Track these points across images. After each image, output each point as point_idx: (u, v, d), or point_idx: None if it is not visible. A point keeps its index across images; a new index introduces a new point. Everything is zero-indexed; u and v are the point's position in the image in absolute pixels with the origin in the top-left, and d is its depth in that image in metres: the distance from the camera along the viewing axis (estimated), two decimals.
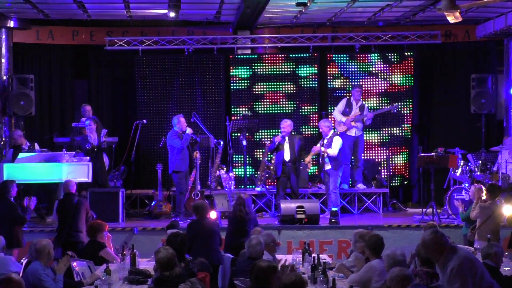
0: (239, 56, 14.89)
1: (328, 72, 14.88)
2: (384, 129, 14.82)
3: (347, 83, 14.80)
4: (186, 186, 12.62)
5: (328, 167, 12.62)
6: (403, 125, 14.88)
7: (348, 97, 13.96)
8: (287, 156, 12.81)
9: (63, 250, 9.50)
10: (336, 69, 14.88)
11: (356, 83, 14.67)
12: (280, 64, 14.86)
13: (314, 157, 13.14)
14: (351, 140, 13.59)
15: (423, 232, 8.64)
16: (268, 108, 14.82)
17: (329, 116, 14.17)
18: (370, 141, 14.75)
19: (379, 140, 14.86)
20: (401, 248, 7.29)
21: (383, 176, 14.27)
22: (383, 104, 14.71)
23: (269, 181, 13.61)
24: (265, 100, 14.83)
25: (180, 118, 12.60)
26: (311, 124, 14.76)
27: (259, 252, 7.65)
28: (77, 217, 10.22)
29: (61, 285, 7.34)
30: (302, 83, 14.84)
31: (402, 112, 14.84)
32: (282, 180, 12.88)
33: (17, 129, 13.49)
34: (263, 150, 13.61)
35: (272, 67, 14.86)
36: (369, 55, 14.79)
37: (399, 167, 14.91)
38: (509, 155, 12.82)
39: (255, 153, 14.64)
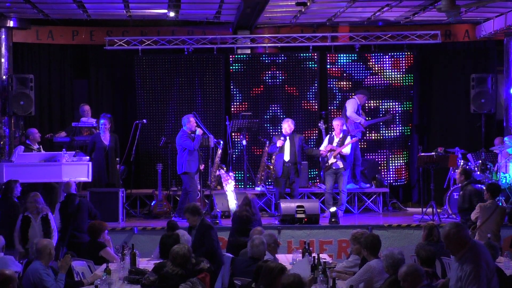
0: (238, 56, 14.88)
1: (328, 72, 14.88)
2: (384, 128, 14.82)
3: (347, 83, 14.80)
4: (195, 186, 12.56)
5: (340, 165, 12.70)
6: (403, 125, 14.87)
7: (354, 98, 13.94)
8: (286, 157, 12.82)
9: (68, 250, 9.51)
10: (336, 69, 14.87)
11: (356, 83, 14.70)
12: (280, 63, 14.85)
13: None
14: None
15: (423, 230, 8.69)
16: (267, 108, 14.81)
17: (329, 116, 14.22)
18: (370, 140, 14.75)
19: (379, 140, 14.86)
20: (399, 248, 7.29)
21: (382, 176, 14.29)
22: (383, 105, 14.72)
23: (270, 180, 13.60)
24: (264, 100, 14.82)
25: (191, 118, 12.58)
26: (311, 124, 14.74)
27: (262, 252, 7.65)
28: (80, 218, 10.23)
29: (62, 285, 7.34)
30: (302, 82, 14.83)
31: (402, 112, 14.84)
32: (282, 180, 12.88)
33: (34, 128, 13.40)
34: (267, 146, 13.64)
35: (271, 67, 14.85)
36: (368, 55, 14.78)
37: (398, 167, 14.92)
38: (504, 158, 12.81)
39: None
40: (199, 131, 12.46)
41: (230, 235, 10.14)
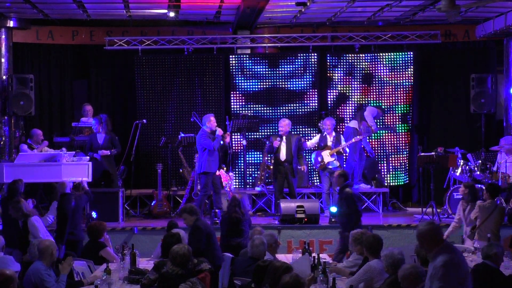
0: (238, 56, 14.88)
1: (328, 72, 14.88)
2: (384, 128, 14.83)
3: (347, 83, 14.82)
4: (209, 188, 12.41)
5: (337, 164, 12.75)
6: (403, 125, 14.89)
7: (374, 108, 14.07)
8: (282, 156, 12.81)
9: (66, 249, 9.50)
10: (336, 69, 14.88)
11: (355, 83, 14.73)
12: (280, 63, 14.86)
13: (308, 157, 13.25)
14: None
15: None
16: (267, 108, 14.82)
17: (333, 116, 14.26)
18: (370, 141, 14.75)
19: (379, 140, 14.86)
20: (399, 248, 7.28)
21: (382, 176, 14.30)
22: (382, 105, 14.73)
23: (270, 180, 13.61)
24: (264, 100, 14.83)
25: (211, 117, 12.53)
26: (311, 124, 14.74)
27: (262, 253, 7.64)
28: (76, 217, 10.20)
29: (64, 286, 7.35)
30: (302, 82, 14.84)
31: (402, 112, 14.86)
32: (279, 180, 12.87)
33: (38, 129, 13.39)
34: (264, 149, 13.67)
35: (271, 66, 14.86)
36: (368, 55, 14.79)
37: (398, 167, 14.93)
38: (507, 155, 12.81)
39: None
40: (219, 131, 12.41)
41: (222, 237, 10.09)
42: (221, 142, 12.66)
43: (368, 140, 14.21)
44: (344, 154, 13.33)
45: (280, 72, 14.84)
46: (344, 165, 13.62)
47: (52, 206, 10.72)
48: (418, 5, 13.22)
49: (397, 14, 14.09)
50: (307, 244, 8.83)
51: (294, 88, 14.83)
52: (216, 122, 12.55)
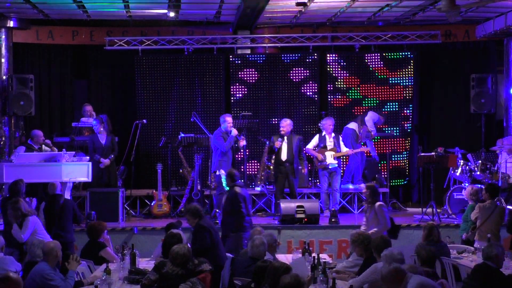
0: (238, 56, 14.88)
1: (328, 72, 14.87)
2: (384, 128, 14.82)
3: (347, 84, 14.81)
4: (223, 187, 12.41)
5: (336, 164, 12.76)
6: (403, 125, 14.89)
7: (375, 112, 14.07)
8: (284, 156, 12.80)
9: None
10: (336, 69, 14.87)
11: (355, 83, 14.73)
12: (280, 63, 14.85)
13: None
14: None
15: (423, 230, 8.72)
16: (268, 108, 14.81)
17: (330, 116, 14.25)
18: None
19: (379, 140, 14.86)
20: (400, 248, 7.27)
21: (382, 176, 14.29)
22: (382, 105, 14.73)
23: (271, 180, 13.60)
24: (264, 100, 14.82)
25: (226, 118, 12.49)
26: (311, 124, 14.74)
27: (262, 253, 7.64)
28: (64, 218, 10.17)
29: (73, 282, 7.34)
30: (302, 82, 14.83)
31: (402, 112, 14.85)
32: (280, 180, 12.86)
33: (38, 130, 13.37)
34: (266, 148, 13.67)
35: (271, 66, 14.85)
36: (368, 55, 14.78)
37: (398, 167, 14.93)
38: (508, 155, 12.82)
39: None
40: (233, 131, 12.39)
41: (222, 237, 10.04)
42: (236, 145, 12.63)
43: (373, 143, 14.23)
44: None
45: (280, 72, 14.83)
46: (345, 166, 13.63)
47: (41, 207, 10.72)
48: (418, 5, 13.21)
49: (397, 14, 14.09)
50: (307, 244, 8.83)
51: (294, 88, 14.83)
52: (231, 123, 12.50)
